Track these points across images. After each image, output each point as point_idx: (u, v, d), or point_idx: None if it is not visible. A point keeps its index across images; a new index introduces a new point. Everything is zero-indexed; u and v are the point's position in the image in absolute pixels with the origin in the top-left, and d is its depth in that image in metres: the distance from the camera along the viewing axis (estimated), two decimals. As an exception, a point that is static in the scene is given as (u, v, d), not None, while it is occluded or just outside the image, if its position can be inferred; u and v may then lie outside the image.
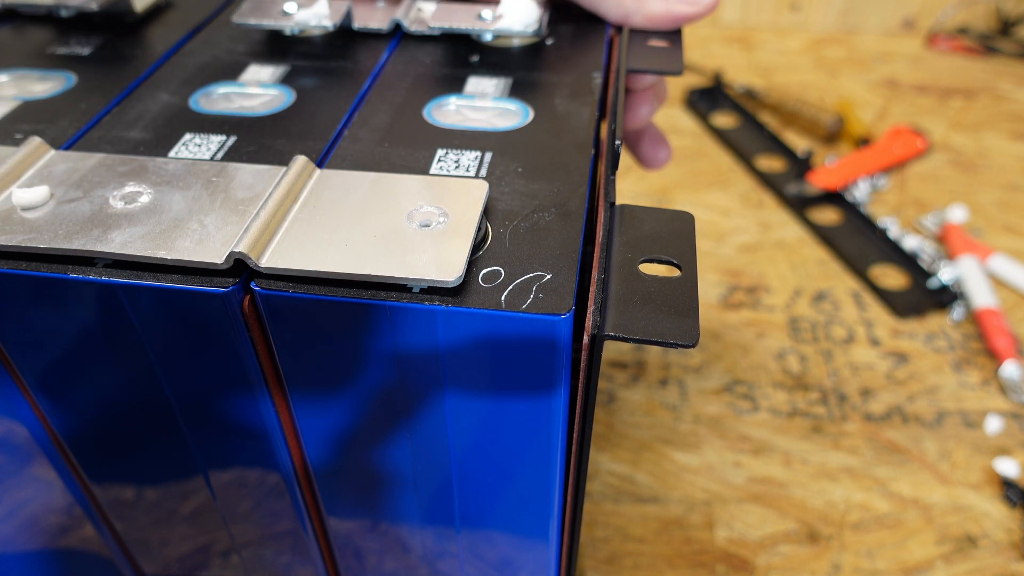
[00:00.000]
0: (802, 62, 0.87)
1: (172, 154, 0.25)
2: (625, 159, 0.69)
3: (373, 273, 0.20)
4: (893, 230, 0.62)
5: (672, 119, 0.77)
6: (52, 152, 0.24)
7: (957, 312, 0.55)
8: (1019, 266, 0.58)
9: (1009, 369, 0.49)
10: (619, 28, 0.34)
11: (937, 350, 0.52)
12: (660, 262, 0.22)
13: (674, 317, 0.20)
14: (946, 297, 0.55)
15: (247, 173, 0.23)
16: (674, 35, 0.33)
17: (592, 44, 0.33)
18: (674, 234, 0.23)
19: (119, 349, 0.22)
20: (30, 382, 0.24)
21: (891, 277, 0.58)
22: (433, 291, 0.20)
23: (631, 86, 0.37)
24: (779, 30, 0.94)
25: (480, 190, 0.22)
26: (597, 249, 0.21)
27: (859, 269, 0.58)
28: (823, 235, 0.62)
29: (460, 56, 0.32)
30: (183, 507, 0.28)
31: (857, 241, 0.61)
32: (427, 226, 0.21)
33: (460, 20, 0.32)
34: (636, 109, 0.37)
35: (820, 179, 0.65)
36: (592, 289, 0.20)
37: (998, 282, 0.58)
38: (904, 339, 0.53)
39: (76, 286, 0.21)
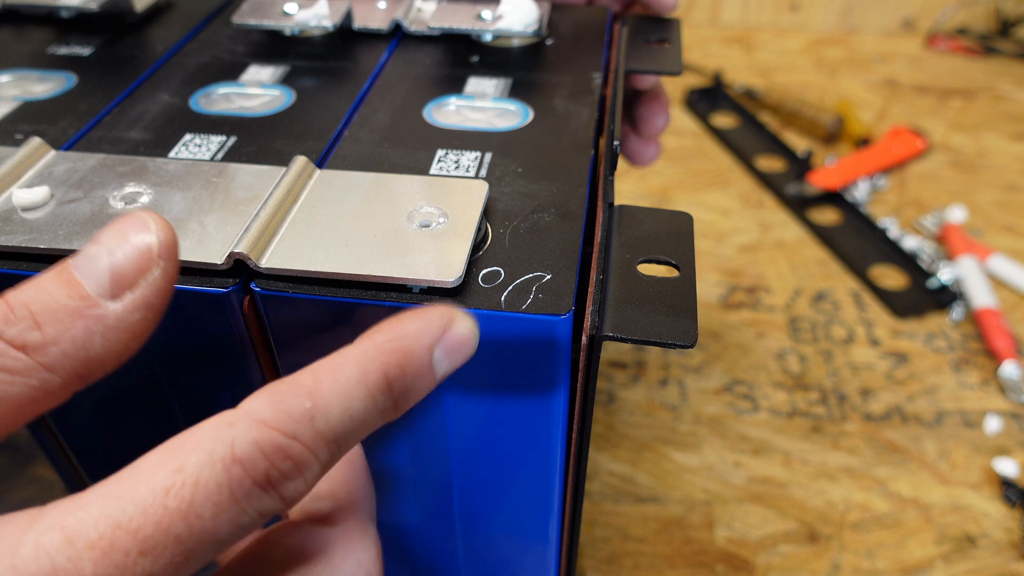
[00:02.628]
0: (802, 62, 0.87)
1: (172, 154, 0.25)
2: (624, 160, 0.69)
3: (373, 274, 0.20)
4: (893, 230, 0.62)
5: (672, 119, 0.77)
6: (52, 152, 0.24)
7: (956, 312, 0.55)
8: (1018, 266, 0.58)
9: (1008, 369, 0.49)
10: (620, 21, 0.34)
11: (937, 350, 0.52)
12: (659, 262, 0.22)
13: (672, 317, 0.20)
14: (946, 297, 0.55)
15: (247, 173, 0.23)
16: (673, 33, 0.33)
17: (592, 44, 0.33)
18: (673, 234, 0.23)
19: (119, 349, 0.22)
20: (30, 382, 0.24)
21: (891, 277, 0.58)
22: (433, 291, 0.20)
23: (646, 95, 0.37)
24: (779, 30, 0.94)
25: (480, 190, 0.22)
26: (596, 250, 0.21)
27: (859, 269, 0.58)
28: (823, 235, 0.62)
29: (460, 56, 0.32)
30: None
31: (857, 241, 0.61)
32: (427, 226, 0.21)
33: (460, 20, 0.32)
34: (653, 120, 0.37)
35: (820, 179, 0.65)
36: (591, 289, 0.21)
37: (997, 282, 0.58)
38: (904, 339, 0.53)
39: (76, 286, 0.21)
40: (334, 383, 0.16)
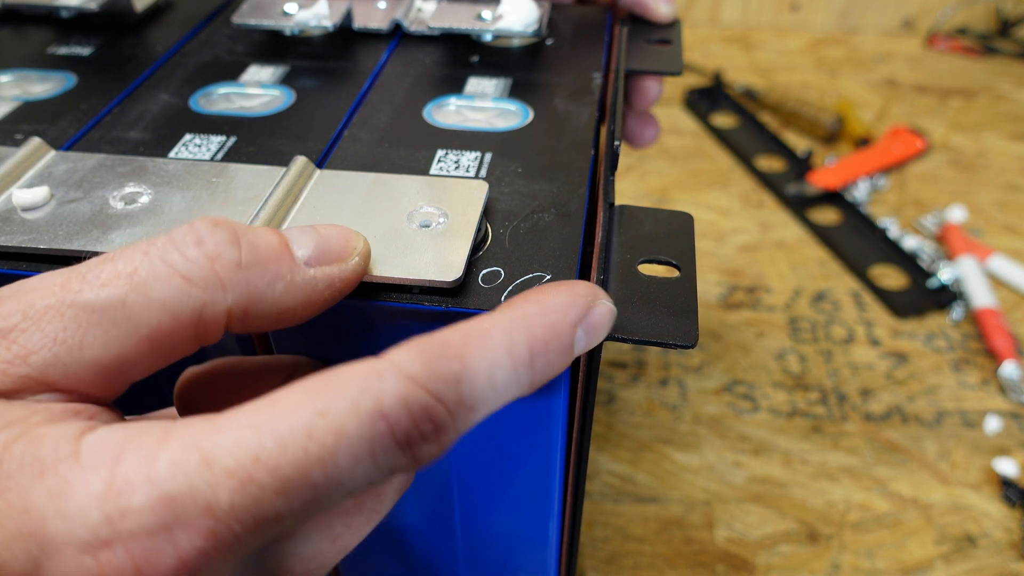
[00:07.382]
0: (802, 62, 0.87)
1: (172, 154, 0.25)
2: (624, 159, 0.69)
3: (373, 274, 0.20)
4: (893, 230, 0.62)
5: (672, 119, 0.77)
6: (52, 153, 0.24)
7: (956, 312, 0.55)
8: (1018, 266, 0.58)
9: (1008, 369, 0.49)
10: (620, 21, 0.34)
11: (937, 350, 0.52)
12: (659, 263, 0.22)
13: (673, 318, 0.20)
14: (946, 297, 0.55)
15: (247, 173, 0.23)
16: (674, 33, 0.33)
17: (592, 44, 0.33)
18: (673, 234, 0.23)
19: (119, 349, 0.22)
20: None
21: (891, 277, 0.58)
22: (433, 291, 0.20)
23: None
24: (779, 30, 0.94)
25: (480, 190, 0.22)
26: (596, 250, 0.21)
27: (859, 269, 0.58)
28: (823, 235, 0.62)
29: (460, 56, 0.32)
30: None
31: (857, 241, 0.61)
32: (427, 226, 0.21)
33: (460, 20, 0.32)
34: (646, 89, 0.35)
35: (820, 179, 0.65)
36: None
37: (997, 282, 0.58)
38: (904, 339, 0.53)
39: (76, 286, 0.21)
40: (483, 349, 0.16)
